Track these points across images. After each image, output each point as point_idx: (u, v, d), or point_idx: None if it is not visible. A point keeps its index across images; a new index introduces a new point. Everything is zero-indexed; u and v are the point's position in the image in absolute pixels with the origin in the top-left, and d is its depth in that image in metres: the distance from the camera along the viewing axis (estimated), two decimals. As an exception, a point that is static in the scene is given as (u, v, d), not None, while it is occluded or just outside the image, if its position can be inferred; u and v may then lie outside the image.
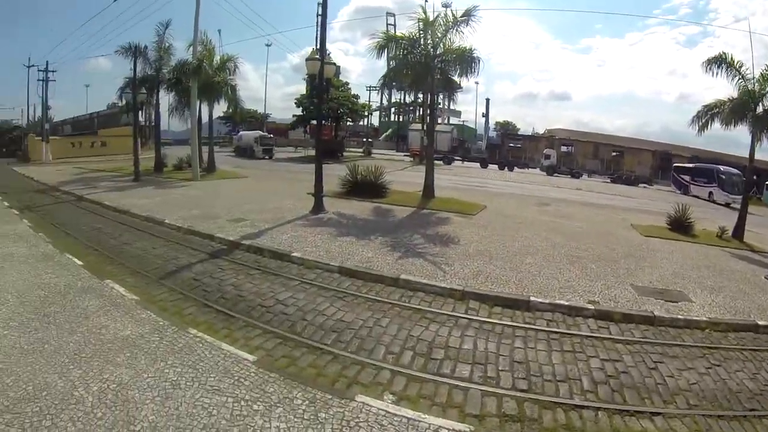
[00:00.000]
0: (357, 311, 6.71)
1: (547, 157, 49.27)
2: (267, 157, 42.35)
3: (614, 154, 58.46)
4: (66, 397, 4.15)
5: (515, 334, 6.22)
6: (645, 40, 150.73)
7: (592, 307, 7.07)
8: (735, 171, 31.92)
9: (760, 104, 14.71)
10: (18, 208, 14.69)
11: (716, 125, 16.02)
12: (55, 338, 5.34)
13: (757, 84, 14.62)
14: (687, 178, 37.25)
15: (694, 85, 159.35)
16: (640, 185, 43.77)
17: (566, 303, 7.16)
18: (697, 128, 16.48)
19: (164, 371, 4.71)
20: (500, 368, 5.36)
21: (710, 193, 31.35)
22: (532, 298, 7.23)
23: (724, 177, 31.58)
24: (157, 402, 4.17)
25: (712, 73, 15.35)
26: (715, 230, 14.89)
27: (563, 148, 57.70)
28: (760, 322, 7.06)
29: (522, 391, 4.91)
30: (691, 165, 38.73)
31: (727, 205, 28.21)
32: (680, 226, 14.71)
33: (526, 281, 8.06)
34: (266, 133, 48.60)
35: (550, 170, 46.65)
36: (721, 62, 15.15)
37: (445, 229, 12.34)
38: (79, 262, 8.48)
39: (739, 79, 14.94)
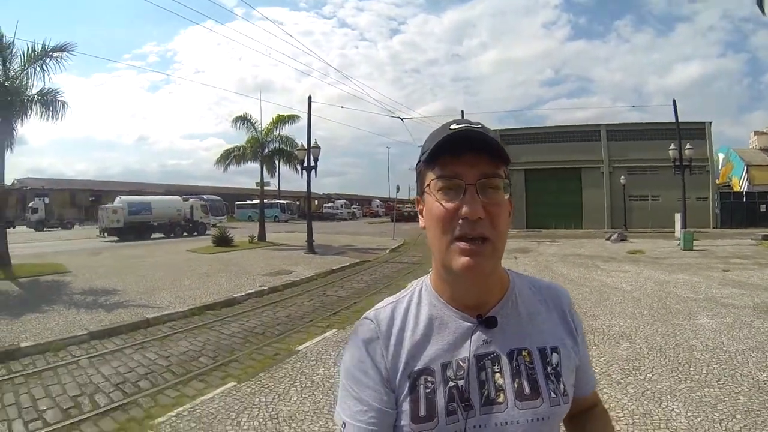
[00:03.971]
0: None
1: (35, 210, 41.97)
2: None
3: (92, 199, 54.30)
4: None
5: None
6: (110, 82, 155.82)
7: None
8: (217, 198, 40.61)
9: (266, 148, 22.25)
10: None
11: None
12: None
13: (263, 134, 22.05)
14: None
15: (152, 128, 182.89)
16: None
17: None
18: (224, 167, 22.82)
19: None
20: None
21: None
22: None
23: (210, 204, 38.00)
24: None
25: (238, 126, 22.22)
26: (248, 239, 21.42)
27: (36, 199, 46.17)
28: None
29: None
30: None
31: (214, 225, 30.76)
32: (224, 241, 19.64)
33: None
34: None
35: (40, 225, 39.78)
36: (244, 119, 22.06)
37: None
38: None
39: (252, 129, 22.13)
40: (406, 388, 0.90)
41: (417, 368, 0.91)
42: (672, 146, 22.32)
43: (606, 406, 1.22)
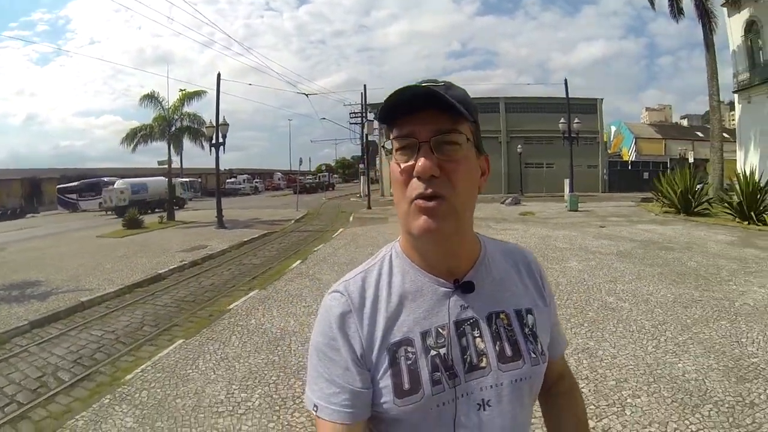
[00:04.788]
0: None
1: None
2: None
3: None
4: None
5: None
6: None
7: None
8: (195, 179, 42.62)
9: (173, 126, 21.98)
10: None
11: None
12: None
13: (170, 111, 21.79)
14: (74, 196, 39.32)
15: (42, 105, 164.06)
16: (28, 216, 39.26)
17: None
18: (131, 147, 22.11)
19: None
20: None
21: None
22: None
23: (189, 183, 39.80)
24: None
25: (144, 104, 21.63)
26: (158, 220, 21.19)
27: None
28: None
29: None
30: (76, 183, 40.29)
31: (190, 199, 34.74)
32: (135, 223, 19.23)
33: None
34: None
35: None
36: (152, 97, 21.63)
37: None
38: None
39: (160, 108, 21.74)
40: (386, 362, 0.88)
41: (395, 340, 0.89)
42: (562, 120, 24.35)
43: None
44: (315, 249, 12.39)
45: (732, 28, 26.27)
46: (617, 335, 5.17)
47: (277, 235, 16.12)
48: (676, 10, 22.05)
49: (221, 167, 20.59)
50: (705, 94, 23.40)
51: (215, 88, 19.42)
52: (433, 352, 0.88)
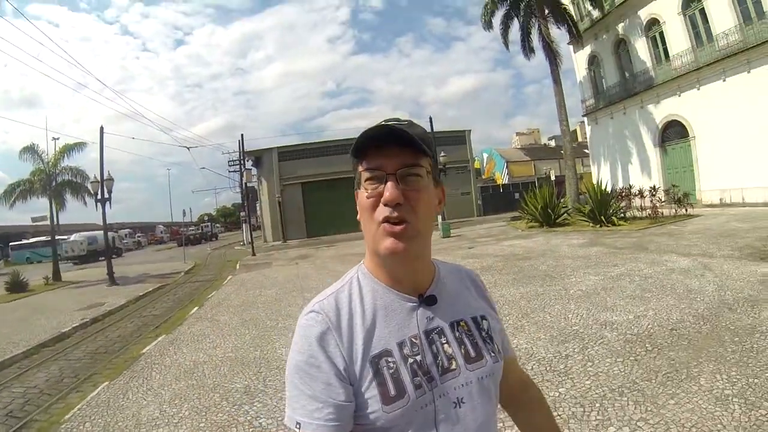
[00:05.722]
0: None
1: None
2: None
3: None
4: None
5: None
6: None
7: None
8: (128, 231, 41.99)
9: (54, 180, 21.28)
10: None
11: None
12: None
13: (50, 165, 21.05)
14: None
15: None
16: None
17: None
18: (9, 204, 21.30)
19: None
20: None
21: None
22: None
23: (71, 240, 40.15)
24: None
25: (24, 159, 20.88)
26: (43, 281, 20.46)
27: None
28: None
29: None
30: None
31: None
32: (19, 286, 18.52)
33: None
34: None
35: None
36: (31, 150, 20.94)
37: None
38: None
39: (39, 161, 20.92)
40: (371, 373, 0.93)
41: (376, 352, 0.95)
42: None
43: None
44: (209, 296, 13.13)
45: (578, 62, 30.95)
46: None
47: (170, 287, 16.45)
48: (528, 50, 25.48)
49: (100, 222, 20.24)
50: (572, 116, 27.14)
51: (96, 139, 19.01)
52: (411, 360, 0.95)
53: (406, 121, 0.99)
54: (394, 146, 0.94)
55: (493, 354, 1.06)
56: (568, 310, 7.03)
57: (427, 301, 1.03)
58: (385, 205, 0.92)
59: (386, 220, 0.93)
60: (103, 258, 34.99)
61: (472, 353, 1.03)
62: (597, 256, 11.67)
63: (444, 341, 1.01)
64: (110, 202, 19.21)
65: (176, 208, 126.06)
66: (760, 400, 3.69)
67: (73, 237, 38.97)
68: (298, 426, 0.90)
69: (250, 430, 4.39)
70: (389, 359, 0.95)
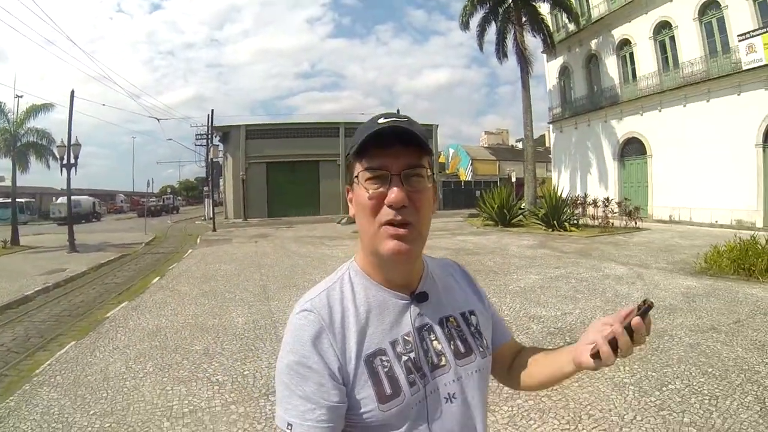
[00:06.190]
0: None
1: None
2: None
3: None
4: None
5: None
6: None
7: None
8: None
9: (19, 141, 20.44)
10: None
11: None
12: None
13: (15, 125, 20.25)
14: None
15: None
16: None
17: None
18: None
19: None
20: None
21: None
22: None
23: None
24: None
25: None
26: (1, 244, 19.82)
27: None
28: None
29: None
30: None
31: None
32: None
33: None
34: None
35: None
36: None
37: None
38: None
39: (4, 120, 20.11)
40: (365, 373, 0.93)
41: (370, 351, 0.95)
42: None
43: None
44: (170, 267, 13.52)
45: (549, 71, 31.96)
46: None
47: (131, 257, 16.62)
48: (502, 54, 26.35)
49: (58, 187, 20.02)
50: (540, 121, 28.02)
51: (61, 101, 19.16)
52: (404, 358, 0.96)
53: (405, 117, 0.98)
54: (398, 145, 0.93)
55: (481, 349, 1.08)
56: (503, 303, 7.81)
57: (419, 298, 1.04)
58: (390, 207, 0.92)
59: (389, 222, 0.92)
60: (84, 221, 41.31)
61: (462, 349, 1.05)
62: (542, 257, 12.57)
63: (433, 338, 1.03)
64: (76, 168, 18.85)
65: (138, 178, 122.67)
66: (653, 390, 4.37)
67: (59, 200, 40.87)
68: (289, 427, 0.89)
69: (208, 384, 4.98)
70: (383, 358, 0.96)
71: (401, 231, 0.92)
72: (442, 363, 1.01)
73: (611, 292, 8.39)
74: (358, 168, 0.96)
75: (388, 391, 0.93)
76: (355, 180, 0.96)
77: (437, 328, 1.04)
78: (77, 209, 41.19)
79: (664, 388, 4.42)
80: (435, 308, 1.06)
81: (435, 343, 1.02)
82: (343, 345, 0.94)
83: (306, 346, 0.92)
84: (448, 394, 0.99)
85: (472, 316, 1.12)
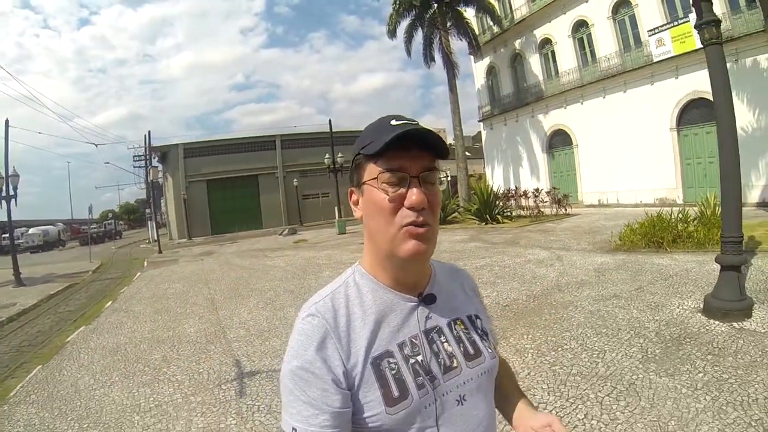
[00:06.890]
0: None
1: None
2: None
3: None
4: None
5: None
6: None
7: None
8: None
9: None
10: None
11: None
12: None
13: None
14: None
15: None
16: None
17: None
18: None
19: None
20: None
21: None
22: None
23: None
24: None
25: None
26: None
27: None
28: None
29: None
30: None
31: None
32: None
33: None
34: None
35: None
36: None
37: None
38: None
39: None
40: (372, 376, 0.92)
41: (377, 354, 0.94)
42: (327, 155, 27.55)
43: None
44: (121, 291, 13.84)
45: (477, 71, 33.38)
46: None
47: (81, 285, 16.65)
48: (429, 59, 27.55)
49: None
50: (473, 118, 28.81)
51: None
52: (412, 360, 0.95)
53: (415, 121, 0.97)
54: (415, 148, 0.92)
55: (490, 350, 1.07)
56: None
57: (426, 300, 1.03)
58: (410, 208, 0.91)
59: (412, 223, 0.92)
60: (54, 249, 44.94)
61: (471, 351, 1.04)
62: (471, 250, 13.39)
63: (444, 340, 1.02)
64: (16, 200, 18.14)
65: (76, 204, 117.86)
66: (549, 351, 5.01)
67: (31, 230, 46.76)
68: (294, 431, 0.89)
69: (169, 383, 5.78)
70: (391, 360, 0.94)
71: (421, 230, 0.93)
72: (454, 365, 1.00)
73: (530, 275, 9.01)
74: (374, 169, 0.95)
75: (396, 393, 0.92)
76: (371, 182, 0.95)
77: (446, 330, 1.04)
78: (46, 238, 46.64)
79: (559, 349, 5.09)
80: (443, 310, 1.06)
81: (446, 345, 1.02)
82: (349, 348, 0.94)
83: (309, 352, 0.92)
84: (460, 396, 0.99)
85: (478, 319, 1.12)
